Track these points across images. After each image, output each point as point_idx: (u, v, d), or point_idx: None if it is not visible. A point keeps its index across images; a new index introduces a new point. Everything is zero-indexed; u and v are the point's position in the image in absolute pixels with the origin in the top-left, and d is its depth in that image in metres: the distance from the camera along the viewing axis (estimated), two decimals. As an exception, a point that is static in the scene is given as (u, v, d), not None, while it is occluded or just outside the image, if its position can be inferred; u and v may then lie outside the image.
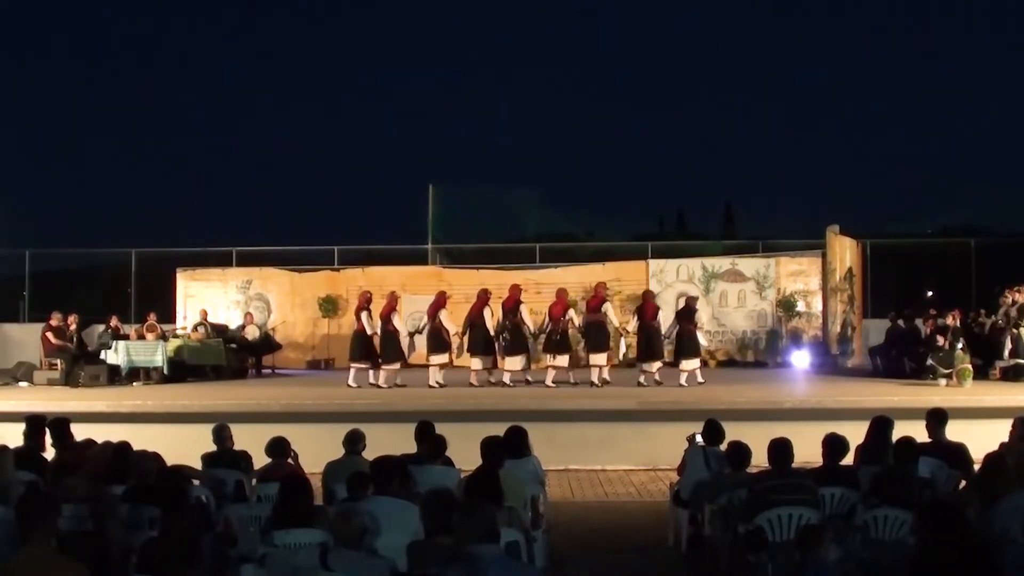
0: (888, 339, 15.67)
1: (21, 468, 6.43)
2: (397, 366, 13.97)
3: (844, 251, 17.27)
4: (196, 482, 6.43)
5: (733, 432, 7.27)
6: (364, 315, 14.12)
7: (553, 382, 13.76)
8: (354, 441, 7.00)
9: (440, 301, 14.23)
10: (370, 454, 6.45)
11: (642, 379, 13.70)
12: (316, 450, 7.76)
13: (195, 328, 16.80)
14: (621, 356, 14.78)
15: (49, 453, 7.49)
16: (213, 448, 7.42)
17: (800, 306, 17.85)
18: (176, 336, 16.41)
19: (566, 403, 12.05)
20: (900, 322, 15.60)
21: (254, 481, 7.04)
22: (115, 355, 14.99)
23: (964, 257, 20.29)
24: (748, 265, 18.37)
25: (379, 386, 13.88)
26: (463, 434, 7.60)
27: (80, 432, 7.70)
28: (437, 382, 13.85)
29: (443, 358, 14.02)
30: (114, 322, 16.90)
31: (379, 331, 14.01)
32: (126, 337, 15.99)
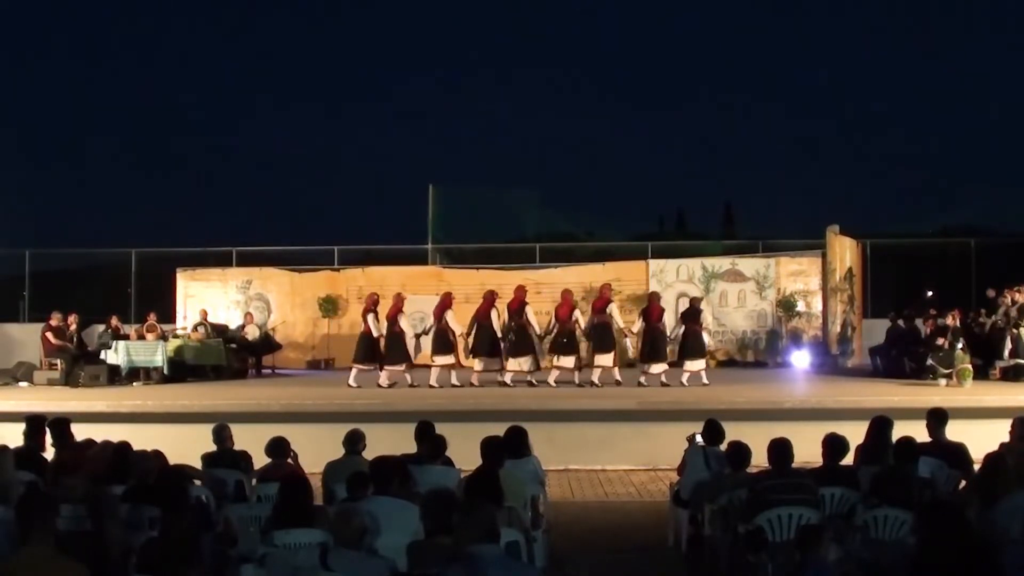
0: (888, 339, 15.67)
1: (21, 468, 6.43)
2: (402, 367, 13.96)
3: (844, 251, 17.27)
4: (197, 482, 6.43)
5: (733, 432, 7.27)
6: (371, 317, 14.09)
7: (555, 382, 13.76)
8: (354, 441, 7.00)
9: (446, 302, 14.21)
10: (370, 454, 6.45)
11: (643, 379, 13.69)
12: (316, 450, 7.76)
13: (195, 328, 16.80)
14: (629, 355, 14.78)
15: (49, 453, 7.49)
16: (213, 448, 7.42)
17: (800, 306, 17.84)
18: (176, 336, 16.41)
19: (566, 403, 12.05)
20: (900, 322, 15.60)
21: (254, 481, 7.03)
22: (115, 355, 14.98)
23: (964, 257, 20.29)
24: (748, 265, 18.37)
25: (389, 385, 13.84)
26: (463, 434, 7.60)
27: (80, 432, 7.70)
28: (452, 383, 13.81)
29: (448, 359, 14.00)
30: (114, 322, 16.89)
31: (385, 332, 13.99)
32: (126, 337, 15.99)
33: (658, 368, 13.73)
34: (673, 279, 18.13)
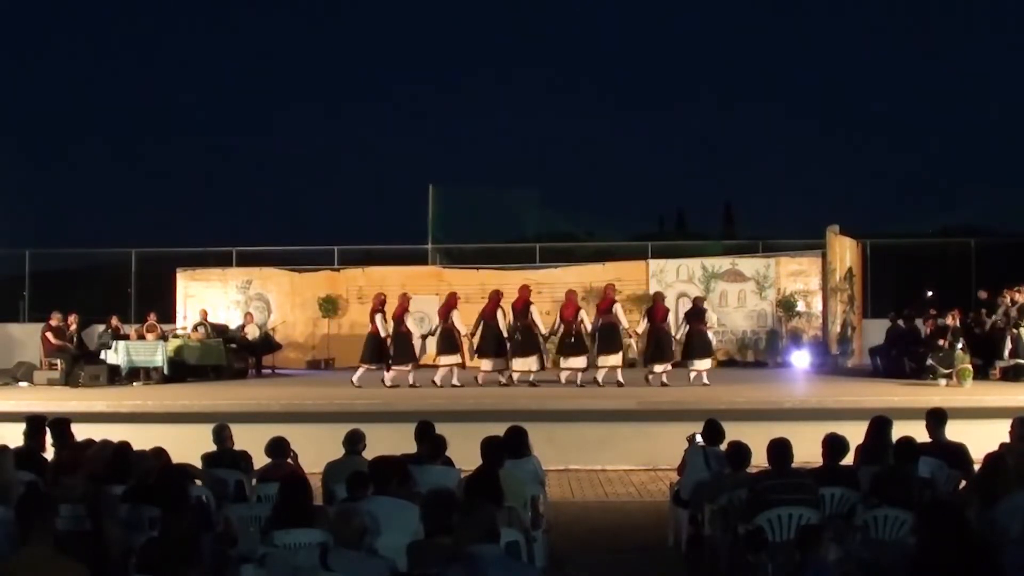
0: (888, 339, 15.66)
1: (21, 468, 6.42)
2: (409, 367, 13.96)
3: (844, 251, 17.27)
4: (198, 482, 6.43)
5: (733, 432, 7.27)
6: (379, 317, 14.06)
7: (567, 381, 13.77)
8: (354, 441, 7.00)
9: (451, 302, 14.19)
10: (370, 454, 6.45)
11: (650, 379, 13.67)
12: (316, 450, 7.77)
13: (195, 328, 16.80)
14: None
15: (49, 453, 7.49)
16: (213, 448, 7.42)
17: (800, 306, 17.84)
18: (176, 336, 16.41)
19: (566, 403, 12.05)
20: (900, 322, 15.60)
21: (254, 481, 7.03)
22: (115, 355, 14.99)
23: (964, 257, 20.29)
24: (748, 265, 18.37)
25: (392, 385, 13.84)
26: (463, 434, 7.61)
27: (80, 432, 7.71)
28: (453, 384, 13.81)
29: (455, 359, 14.00)
30: (114, 322, 16.89)
31: (391, 332, 13.98)
32: (126, 337, 15.99)
33: (664, 368, 13.71)
34: (673, 279, 18.13)
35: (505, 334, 13.82)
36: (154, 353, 15.12)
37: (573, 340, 13.78)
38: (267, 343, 17.45)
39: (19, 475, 6.21)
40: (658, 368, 13.69)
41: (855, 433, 6.90)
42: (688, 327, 14.00)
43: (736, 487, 6.19)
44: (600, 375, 13.76)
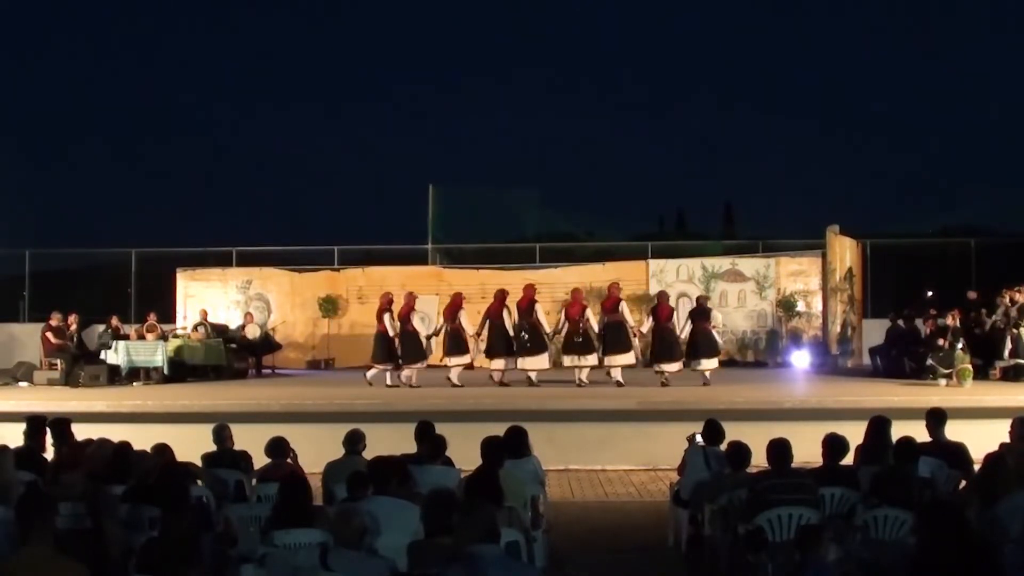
0: (888, 339, 15.67)
1: (21, 468, 6.42)
2: (423, 364, 13.98)
3: (844, 251, 17.27)
4: (199, 482, 6.43)
5: (733, 432, 7.27)
6: (387, 316, 14.04)
7: (586, 379, 13.77)
8: (354, 441, 7.00)
9: (458, 302, 14.18)
10: (370, 454, 6.45)
11: (664, 378, 13.63)
12: (316, 450, 7.77)
13: (195, 328, 16.80)
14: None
15: (49, 453, 7.49)
16: (213, 448, 7.42)
17: (800, 306, 17.84)
18: (176, 336, 16.41)
19: (566, 403, 12.05)
20: (900, 322, 15.60)
21: (254, 481, 7.03)
22: (115, 355, 14.99)
23: (964, 257, 20.29)
24: (748, 265, 18.37)
25: (411, 385, 13.86)
26: (463, 434, 7.61)
27: (80, 432, 7.70)
28: (454, 384, 13.79)
29: (464, 359, 14.00)
30: (114, 322, 16.90)
31: (398, 332, 13.97)
32: (126, 337, 15.99)
33: (673, 367, 13.67)
34: (673, 279, 18.12)
35: (511, 333, 13.81)
36: (154, 353, 15.12)
37: (581, 339, 13.76)
38: (267, 343, 17.46)
39: (19, 475, 6.21)
40: (666, 367, 13.67)
41: (855, 433, 6.91)
42: (692, 326, 13.98)
43: (736, 487, 6.19)
44: (618, 374, 13.73)
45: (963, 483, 6.62)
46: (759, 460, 6.39)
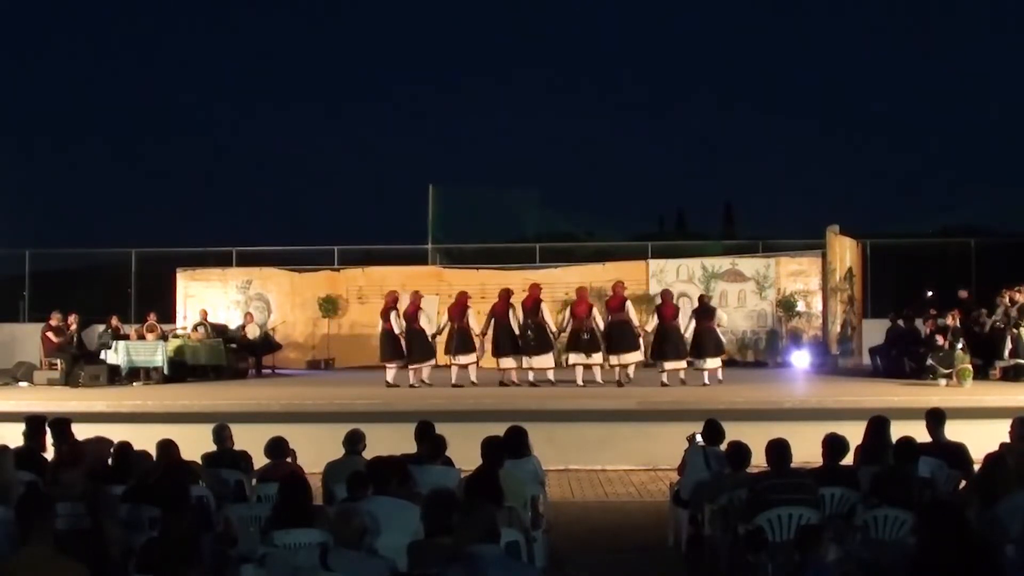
0: (888, 339, 15.66)
1: (21, 468, 6.43)
2: (433, 362, 14.00)
3: (844, 251, 17.27)
4: (200, 482, 6.43)
5: (733, 432, 7.27)
6: (393, 315, 14.04)
7: (602, 380, 13.77)
8: (354, 441, 7.00)
9: (464, 301, 14.18)
10: (370, 454, 6.45)
11: (665, 378, 13.62)
12: (316, 450, 7.77)
13: (195, 328, 16.80)
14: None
15: (49, 453, 7.49)
16: (213, 448, 7.43)
17: (800, 306, 17.84)
18: (176, 336, 16.41)
19: (566, 403, 12.05)
20: (900, 322, 15.59)
21: (254, 481, 7.03)
22: (115, 355, 14.99)
23: (964, 257, 20.28)
24: (748, 265, 18.37)
25: (426, 383, 13.90)
26: (463, 434, 7.61)
27: (80, 432, 7.70)
28: (453, 384, 13.82)
29: (471, 358, 13.99)
30: (114, 322, 16.91)
31: (405, 331, 13.96)
32: (126, 337, 15.99)
33: (677, 365, 13.65)
34: (673, 279, 18.11)
35: (516, 332, 13.83)
36: (154, 353, 15.12)
37: (588, 338, 13.75)
38: (267, 343, 17.46)
39: (19, 475, 6.22)
40: (669, 366, 13.66)
41: (855, 433, 6.91)
42: (696, 325, 13.96)
43: (736, 487, 6.19)
44: (631, 371, 13.74)
45: (963, 483, 6.62)
46: (759, 460, 6.39)
